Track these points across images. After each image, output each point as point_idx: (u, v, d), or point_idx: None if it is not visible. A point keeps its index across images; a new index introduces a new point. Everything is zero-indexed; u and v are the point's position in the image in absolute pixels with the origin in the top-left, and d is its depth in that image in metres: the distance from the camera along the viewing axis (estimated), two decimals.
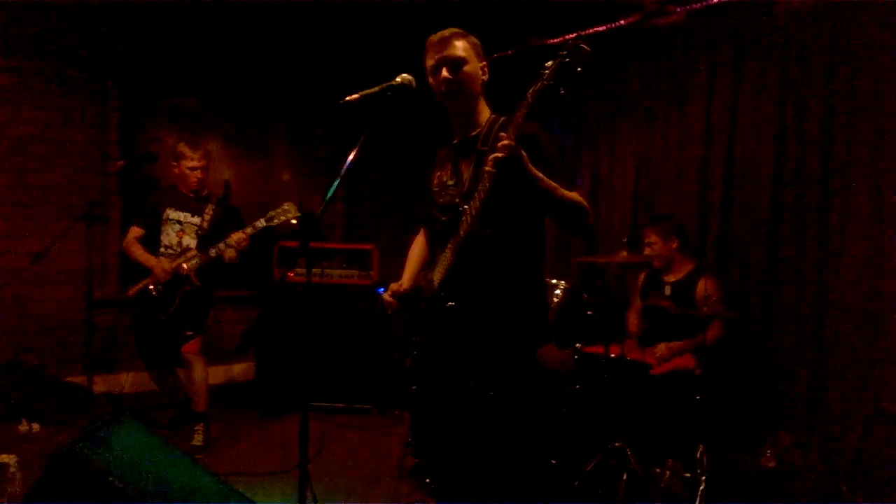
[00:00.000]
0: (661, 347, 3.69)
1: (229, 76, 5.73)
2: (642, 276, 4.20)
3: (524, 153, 1.98)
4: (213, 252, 4.01)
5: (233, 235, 3.98)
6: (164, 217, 4.14)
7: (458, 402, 2.33)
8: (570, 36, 5.03)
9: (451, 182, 2.38)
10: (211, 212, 4.17)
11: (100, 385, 4.88)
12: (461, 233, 2.20)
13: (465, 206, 2.19)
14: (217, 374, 5.44)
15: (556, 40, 5.13)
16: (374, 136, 2.26)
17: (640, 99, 4.78)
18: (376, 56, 5.78)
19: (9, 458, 3.17)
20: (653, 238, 3.98)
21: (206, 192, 4.25)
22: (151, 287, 4.04)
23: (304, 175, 6.23)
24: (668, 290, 3.95)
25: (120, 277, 5.26)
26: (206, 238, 4.10)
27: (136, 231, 4.20)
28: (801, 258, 3.90)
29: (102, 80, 5.19)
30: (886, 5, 3.52)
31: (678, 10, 4.51)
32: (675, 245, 3.96)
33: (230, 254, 4.01)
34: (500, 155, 1.94)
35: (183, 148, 4.14)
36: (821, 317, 3.79)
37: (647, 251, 3.98)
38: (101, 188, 5.18)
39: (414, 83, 2.28)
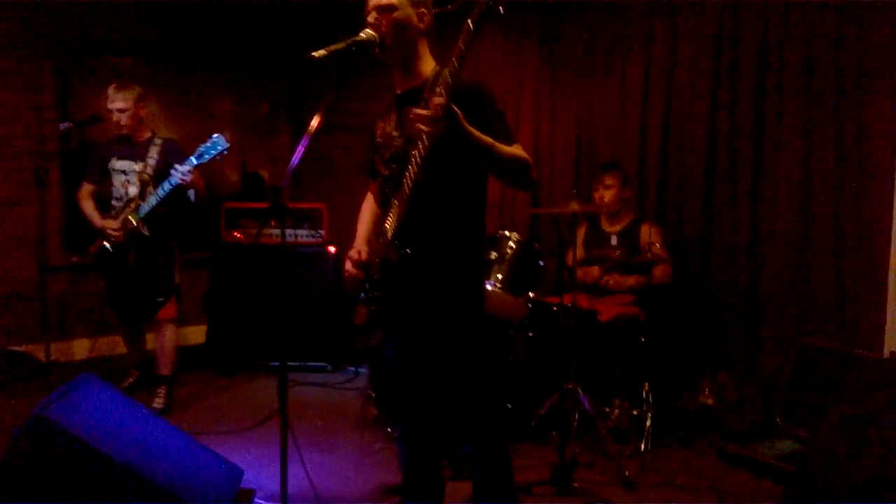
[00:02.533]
0: (615, 276, 3.87)
1: (167, 33, 5.59)
2: (583, 228, 4.31)
3: (460, 113, 1.97)
4: (153, 199, 3.90)
5: (175, 170, 3.80)
6: (111, 168, 4.06)
7: (413, 352, 2.40)
8: None
9: (395, 133, 2.36)
10: (157, 155, 4.02)
11: (53, 353, 4.82)
12: (405, 187, 2.20)
13: (411, 155, 2.17)
14: None
15: None
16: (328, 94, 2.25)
17: (580, 55, 4.88)
18: (318, 12, 5.76)
19: None
20: (610, 182, 4.09)
21: (147, 136, 4.10)
22: (107, 244, 4.00)
23: (248, 133, 6.15)
24: (614, 241, 4.11)
25: (63, 242, 5.16)
26: (152, 183, 3.97)
27: (87, 187, 4.14)
28: (735, 204, 4.13)
29: (35, 41, 5.00)
30: None
31: None
32: (627, 194, 4.11)
33: (196, 195, 3.97)
34: (431, 118, 1.94)
35: (110, 89, 4.02)
36: (755, 257, 4.04)
37: (601, 195, 4.10)
38: (38, 152, 5.03)
39: (378, 38, 2.27)
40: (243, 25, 5.90)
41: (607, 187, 4.11)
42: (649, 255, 3.69)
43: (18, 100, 4.98)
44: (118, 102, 3.98)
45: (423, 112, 1.97)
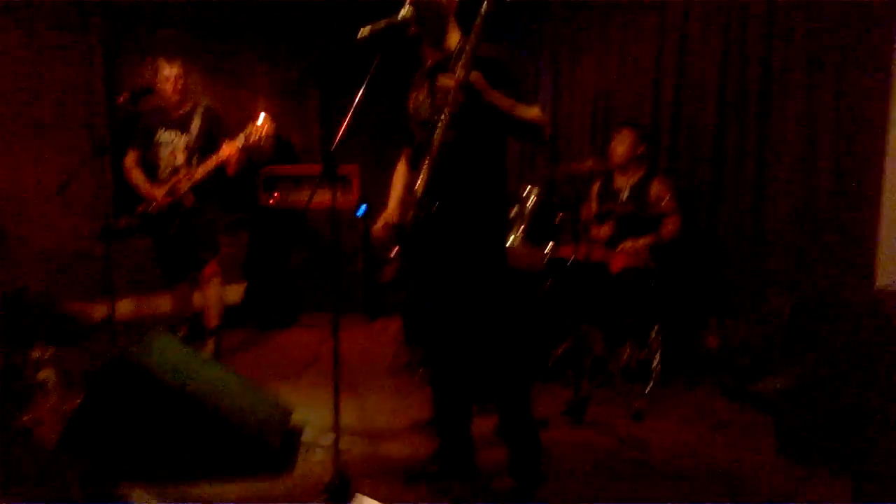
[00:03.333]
0: (628, 244, 4.13)
1: (204, 5, 5.87)
2: (597, 184, 4.54)
3: (483, 80, 2.30)
4: (200, 171, 4.21)
5: (223, 149, 4.14)
6: (156, 139, 4.32)
7: (443, 297, 2.70)
8: None
9: (426, 102, 2.63)
10: (199, 124, 4.30)
11: (99, 311, 5.20)
12: (433, 148, 2.48)
13: (438, 119, 2.44)
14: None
15: None
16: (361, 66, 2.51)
17: (595, 18, 5.11)
18: None
19: (46, 374, 3.55)
20: (624, 137, 4.31)
21: (190, 106, 4.38)
22: (150, 209, 4.30)
23: (279, 100, 6.44)
24: (625, 195, 4.37)
25: (114, 207, 5.54)
26: (202, 153, 4.26)
27: (133, 154, 4.41)
28: (742, 154, 4.37)
29: (83, 17, 5.31)
30: None
31: None
32: (641, 150, 4.33)
33: (232, 164, 4.23)
34: (454, 86, 2.28)
35: (160, 61, 4.30)
36: (759, 212, 4.29)
37: (614, 149, 4.33)
38: (88, 122, 5.38)
39: (414, 17, 2.49)
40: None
41: (621, 142, 4.34)
42: (658, 208, 3.97)
43: (70, 74, 5.31)
44: (166, 70, 4.26)
45: (448, 81, 2.29)
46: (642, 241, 4.13)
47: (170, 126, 4.35)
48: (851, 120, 3.83)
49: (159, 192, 4.27)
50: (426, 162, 2.54)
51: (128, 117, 5.38)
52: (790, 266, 4.14)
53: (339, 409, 2.66)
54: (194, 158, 4.27)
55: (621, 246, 4.14)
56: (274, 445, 2.99)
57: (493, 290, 2.63)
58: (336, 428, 2.66)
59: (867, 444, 2.73)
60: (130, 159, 4.44)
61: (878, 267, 3.68)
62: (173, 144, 4.33)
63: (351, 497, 2.60)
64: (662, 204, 4.09)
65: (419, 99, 2.70)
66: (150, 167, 4.41)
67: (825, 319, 3.63)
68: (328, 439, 3.12)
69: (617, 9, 5.00)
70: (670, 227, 4.17)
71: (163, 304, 5.13)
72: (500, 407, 2.73)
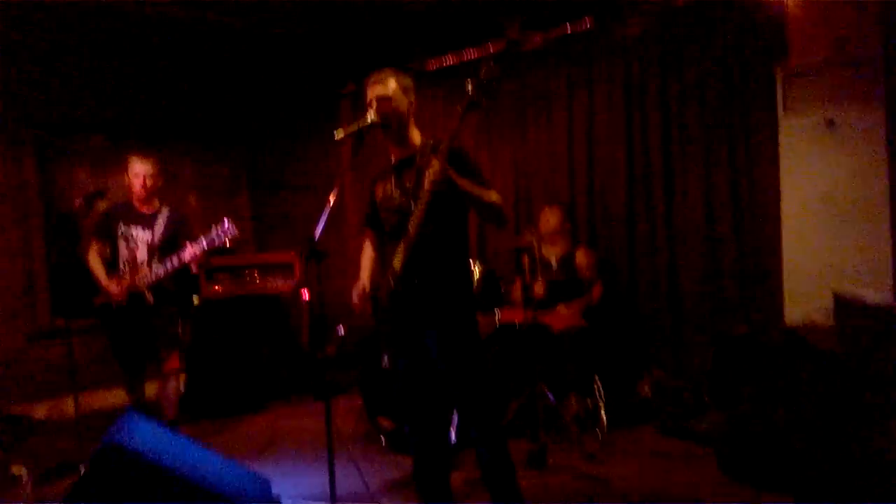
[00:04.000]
0: (562, 308, 4.58)
1: (131, 112, 6.10)
2: (526, 256, 5.02)
3: (451, 170, 2.70)
4: (161, 270, 4.24)
5: (185, 251, 4.17)
6: (119, 233, 4.35)
7: (421, 358, 2.98)
8: (447, 61, 5.99)
9: (396, 192, 3.00)
10: (164, 224, 4.37)
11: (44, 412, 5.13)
12: (411, 232, 2.83)
13: (413, 209, 2.81)
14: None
15: (432, 65, 6.03)
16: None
17: (512, 109, 5.69)
18: (270, 81, 6.41)
19: (18, 469, 3.55)
20: (550, 216, 4.83)
21: (156, 206, 4.44)
22: (111, 302, 4.29)
23: (210, 195, 6.66)
24: (555, 263, 4.84)
25: (51, 307, 5.53)
26: (164, 251, 4.31)
27: (95, 245, 4.39)
28: (653, 228, 4.97)
29: (15, 125, 5.46)
30: (701, 24, 4.64)
31: (537, 37, 5.45)
32: (568, 226, 4.88)
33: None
34: (435, 181, 2.67)
35: (132, 158, 4.35)
36: (674, 272, 4.87)
37: (546, 222, 4.82)
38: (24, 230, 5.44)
39: (379, 120, 2.90)
40: (200, 101, 6.47)
41: (551, 218, 4.85)
42: (584, 274, 4.48)
43: (2, 178, 5.41)
44: (138, 166, 4.32)
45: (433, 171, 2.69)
46: (576, 304, 4.59)
47: (135, 222, 4.38)
48: (747, 184, 4.50)
49: (119, 286, 4.30)
50: (402, 244, 2.87)
51: (64, 217, 5.50)
52: (704, 317, 4.70)
53: (333, 475, 2.87)
54: (155, 257, 4.35)
55: (558, 308, 4.55)
56: None
57: (470, 346, 2.97)
58: (332, 491, 2.85)
59: (805, 465, 3.15)
60: (93, 249, 4.41)
61: (784, 308, 4.25)
62: (136, 240, 4.36)
63: None
64: (588, 272, 4.60)
65: (387, 190, 3.06)
66: (111, 260, 4.41)
67: (745, 359, 4.14)
68: None
69: (530, 104, 5.60)
70: (597, 290, 4.70)
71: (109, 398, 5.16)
72: (483, 450, 2.98)
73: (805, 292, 4.19)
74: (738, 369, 4.19)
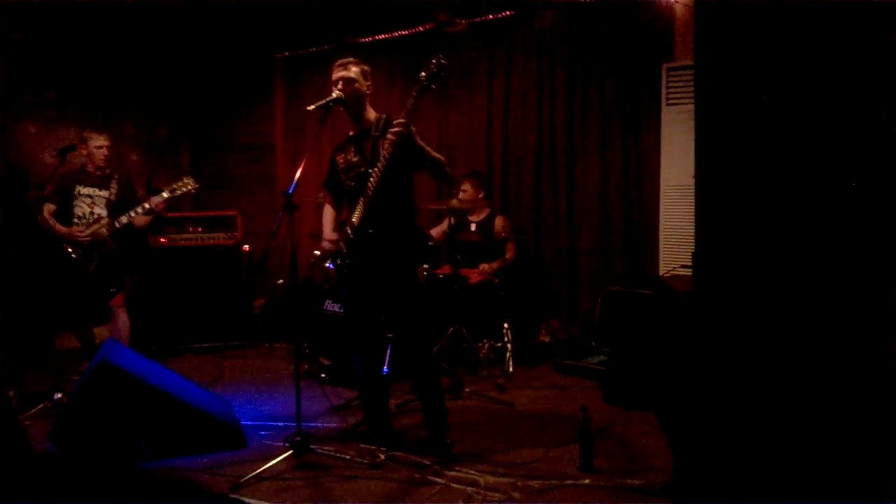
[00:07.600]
0: (484, 266, 5.38)
1: (83, 70, 6.42)
2: (449, 219, 5.75)
3: (414, 131, 3.42)
4: (125, 218, 4.88)
5: (152, 199, 4.87)
6: (76, 193, 4.92)
7: (371, 297, 3.67)
8: (380, 36, 6.58)
9: (355, 158, 3.63)
10: (116, 185, 5.02)
11: None
12: (369, 191, 3.49)
13: (371, 171, 3.45)
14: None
15: (366, 39, 6.60)
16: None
17: (438, 90, 6.33)
18: (209, 47, 6.84)
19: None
20: (466, 187, 5.55)
21: (108, 171, 5.06)
22: (71, 250, 4.82)
23: (150, 154, 7.06)
24: (473, 227, 5.62)
25: None
26: (115, 207, 4.96)
27: (49, 207, 4.91)
28: (556, 196, 5.83)
29: None
30: (604, 20, 5.45)
31: (462, 22, 6.13)
32: (481, 195, 5.63)
33: (142, 220, 4.97)
34: (399, 130, 3.36)
35: (89, 133, 4.97)
36: (572, 238, 5.75)
37: (461, 197, 5.54)
38: None
39: (343, 98, 3.56)
40: (143, 66, 6.85)
41: (464, 191, 5.59)
42: (503, 234, 5.27)
43: None
44: (100, 140, 4.95)
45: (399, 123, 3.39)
46: (494, 264, 5.40)
47: (89, 184, 4.98)
48: (635, 165, 5.43)
49: (83, 233, 4.82)
50: (360, 202, 3.53)
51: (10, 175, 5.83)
52: (597, 274, 5.59)
53: (300, 396, 3.54)
54: (114, 211, 4.97)
55: (481, 267, 5.35)
56: (235, 427, 3.75)
57: (413, 289, 3.70)
58: (298, 409, 3.53)
59: (664, 391, 4.02)
60: (46, 210, 4.92)
61: (659, 265, 5.18)
62: (93, 198, 4.96)
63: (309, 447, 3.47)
64: (504, 234, 5.39)
65: (347, 157, 3.71)
66: (65, 218, 4.94)
67: (624, 309, 5.04)
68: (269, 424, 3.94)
69: (454, 86, 6.29)
70: (511, 252, 5.51)
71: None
72: (419, 372, 3.71)
73: (678, 257, 5.12)
74: (618, 318, 5.11)
